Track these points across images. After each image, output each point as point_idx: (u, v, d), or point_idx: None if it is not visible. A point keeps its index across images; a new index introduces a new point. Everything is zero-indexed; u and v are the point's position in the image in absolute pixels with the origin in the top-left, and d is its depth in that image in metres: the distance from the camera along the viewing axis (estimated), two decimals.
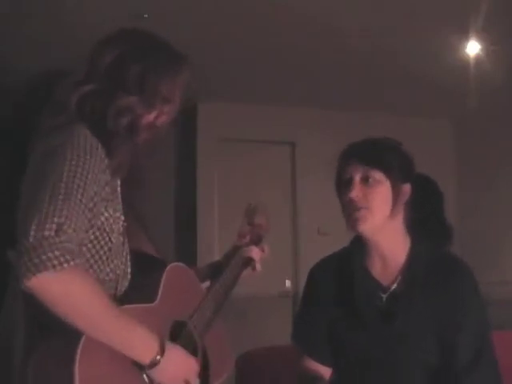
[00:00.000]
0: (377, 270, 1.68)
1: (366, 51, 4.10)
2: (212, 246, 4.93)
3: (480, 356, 1.56)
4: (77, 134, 1.32)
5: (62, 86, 1.45)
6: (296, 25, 3.77)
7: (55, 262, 1.15)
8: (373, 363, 1.62)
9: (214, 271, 1.77)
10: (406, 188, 1.65)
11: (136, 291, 1.41)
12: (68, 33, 3.74)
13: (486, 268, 3.71)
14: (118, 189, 1.43)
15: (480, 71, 4.09)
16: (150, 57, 1.47)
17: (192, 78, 1.53)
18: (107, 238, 1.37)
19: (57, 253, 1.15)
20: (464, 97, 4.41)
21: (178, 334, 1.46)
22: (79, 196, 1.24)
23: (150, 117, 1.46)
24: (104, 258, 1.36)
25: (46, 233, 1.16)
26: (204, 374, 1.51)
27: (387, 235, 1.65)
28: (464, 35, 3.78)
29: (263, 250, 1.84)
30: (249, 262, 1.79)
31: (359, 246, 1.70)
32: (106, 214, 1.37)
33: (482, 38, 3.80)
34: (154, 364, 1.30)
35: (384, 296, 1.64)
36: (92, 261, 1.34)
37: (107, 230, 1.37)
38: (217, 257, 1.97)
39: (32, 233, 1.16)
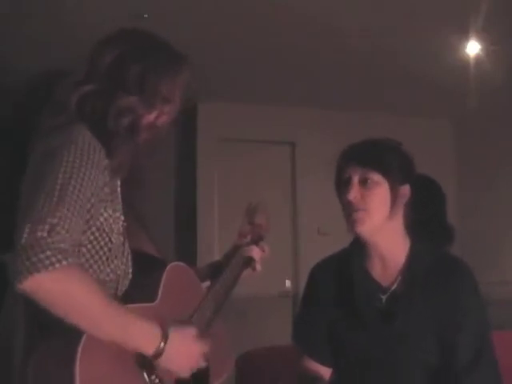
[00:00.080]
0: (376, 270, 1.68)
1: (366, 51, 4.10)
2: (212, 246, 4.93)
3: (480, 356, 1.56)
4: (75, 135, 1.32)
5: (62, 86, 1.45)
6: (296, 25, 3.77)
7: (47, 263, 1.15)
8: (373, 363, 1.62)
9: (214, 271, 1.77)
10: (405, 189, 1.65)
11: (136, 291, 1.41)
12: (68, 33, 3.74)
13: (485, 268, 3.71)
14: (118, 189, 1.44)
15: (480, 71, 4.10)
16: (150, 57, 1.47)
17: (192, 78, 1.53)
18: (107, 239, 1.37)
19: (48, 253, 1.15)
20: (464, 97, 4.41)
21: None
22: (74, 197, 1.24)
23: (151, 117, 1.46)
24: (104, 258, 1.36)
25: (39, 234, 1.16)
26: (204, 374, 1.51)
27: (386, 236, 1.65)
28: (464, 35, 3.78)
29: (263, 250, 1.84)
30: (249, 261, 1.79)
31: (359, 247, 1.70)
32: (106, 215, 1.37)
33: (482, 38, 3.80)
34: (158, 353, 1.30)
35: (384, 297, 1.64)
36: (92, 261, 1.35)
37: (107, 230, 1.37)
38: (217, 257, 1.97)
39: (25, 235, 1.16)
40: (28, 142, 1.41)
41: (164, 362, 1.31)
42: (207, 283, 1.74)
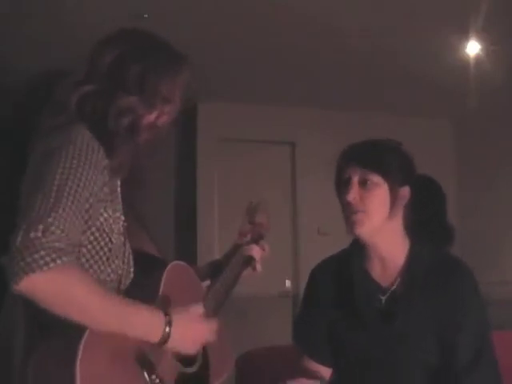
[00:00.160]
0: (376, 271, 1.68)
1: (366, 51, 4.10)
2: (212, 245, 4.93)
3: (480, 356, 1.56)
4: (75, 135, 1.32)
5: (62, 86, 1.45)
6: (296, 25, 3.77)
7: (41, 263, 1.14)
8: (373, 363, 1.63)
9: (215, 270, 1.77)
10: (405, 191, 1.65)
11: (137, 290, 1.41)
12: (68, 33, 3.74)
13: (486, 268, 3.71)
14: (118, 189, 1.43)
15: (480, 71, 4.09)
16: (150, 57, 1.47)
17: (192, 78, 1.53)
18: (107, 239, 1.37)
19: (42, 253, 1.15)
20: (464, 97, 4.41)
21: None
22: (71, 198, 1.24)
23: (151, 117, 1.46)
24: (104, 258, 1.36)
25: (33, 234, 1.16)
26: (204, 374, 1.51)
27: (385, 237, 1.65)
28: (464, 35, 3.78)
29: (264, 249, 1.84)
30: (249, 260, 1.79)
31: (359, 248, 1.70)
32: (105, 215, 1.37)
33: (482, 38, 3.80)
34: (165, 339, 1.30)
35: (383, 298, 1.64)
36: (92, 261, 1.34)
37: (107, 230, 1.37)
38: (217, 257, 1.97)
39: (20, 236, 1.16)
40: (28, 142, 1.41)
41: (171, 345, 1.32)
42: (207, 282, 1.74)
